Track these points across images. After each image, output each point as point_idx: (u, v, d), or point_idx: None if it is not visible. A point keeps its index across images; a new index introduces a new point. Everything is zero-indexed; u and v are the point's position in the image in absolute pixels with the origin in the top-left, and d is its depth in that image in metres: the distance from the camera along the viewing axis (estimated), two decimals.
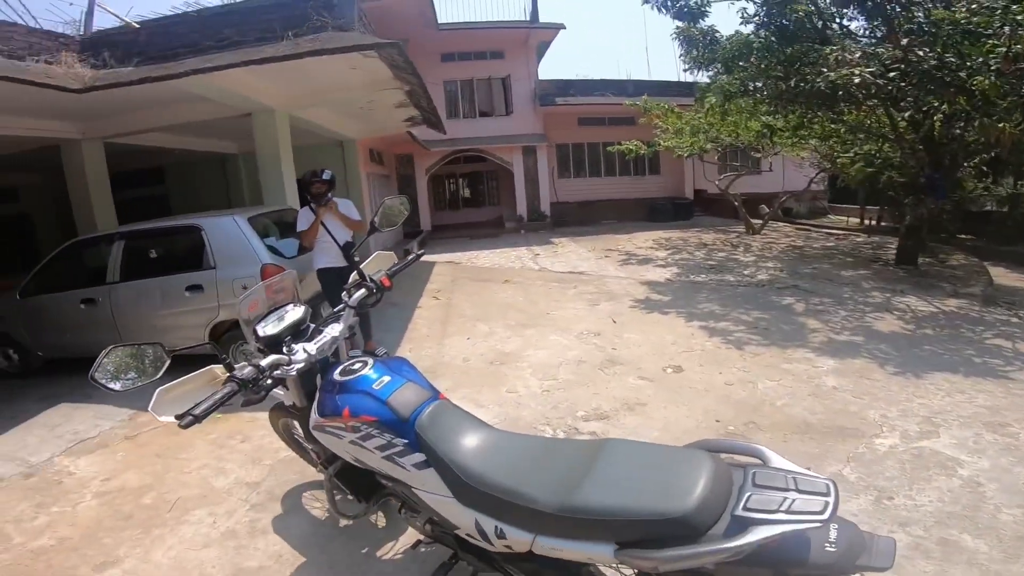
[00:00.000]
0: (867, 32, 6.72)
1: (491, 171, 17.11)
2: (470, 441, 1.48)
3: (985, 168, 8.37)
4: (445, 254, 10.95)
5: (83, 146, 6.16)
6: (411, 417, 1.51)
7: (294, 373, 1.63)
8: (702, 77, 8.18)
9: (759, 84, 6.72)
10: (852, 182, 10.15)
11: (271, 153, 5.89)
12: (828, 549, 1.05)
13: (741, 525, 1.09)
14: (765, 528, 1.05)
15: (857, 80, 4.93)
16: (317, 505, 2.43)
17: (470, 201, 18.24)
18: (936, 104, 5.62)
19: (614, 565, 1.27)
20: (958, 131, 6.19)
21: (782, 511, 1.07)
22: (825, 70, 5.26)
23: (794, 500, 1.08)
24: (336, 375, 1.65)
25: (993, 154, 6.87)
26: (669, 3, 7.10)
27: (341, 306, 1.91)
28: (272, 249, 4.16)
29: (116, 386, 1.45)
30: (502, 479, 1.35)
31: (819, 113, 7.17)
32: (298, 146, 6.58)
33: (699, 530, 1.12)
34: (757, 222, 11.17)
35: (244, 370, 1.41)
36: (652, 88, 14.22)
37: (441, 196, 17.67)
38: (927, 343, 4.24)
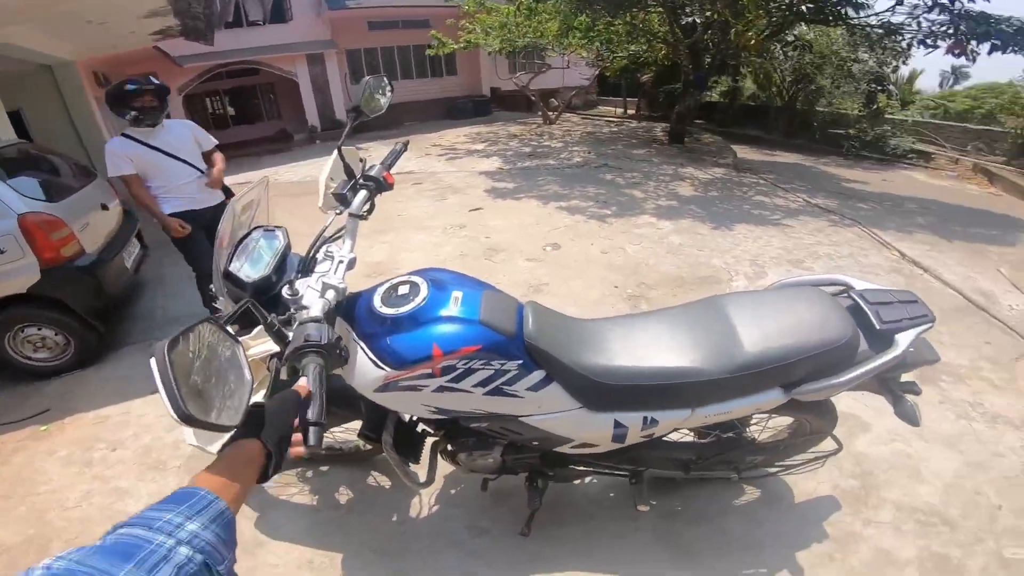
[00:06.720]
0: None
1: (265, 84, 14.92)
2: (585, 339, 1.29)
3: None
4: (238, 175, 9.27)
5: None
6: (517, 331, 1.21)
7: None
8: None
9: None
10: (612, 75, 11.91)
11: None
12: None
13: (884, 337, 1.20)
14: (905, 335, 1.20)
15: None
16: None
17: (239, 118, 15.67)
18: (708, 14, 6.87)
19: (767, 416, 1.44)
20: (717, 39, 7.72)
21: (907, 318, 1.22)
22: None
23: (907, 308, 1.24)
24: (381, 308, 1.18)
25: (743, 57, 8.67)
26: None
27: (340, 211, 1.35)
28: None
29: None
30: (659, 363, 1.23)
31: (608, 16, 8.09)
32: None
33: (855, 351, 1.21)
34: (551, 114, 12.17)
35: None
36: None
37: (202, 116, 14.56)
38: (718, 202, 5.53)
